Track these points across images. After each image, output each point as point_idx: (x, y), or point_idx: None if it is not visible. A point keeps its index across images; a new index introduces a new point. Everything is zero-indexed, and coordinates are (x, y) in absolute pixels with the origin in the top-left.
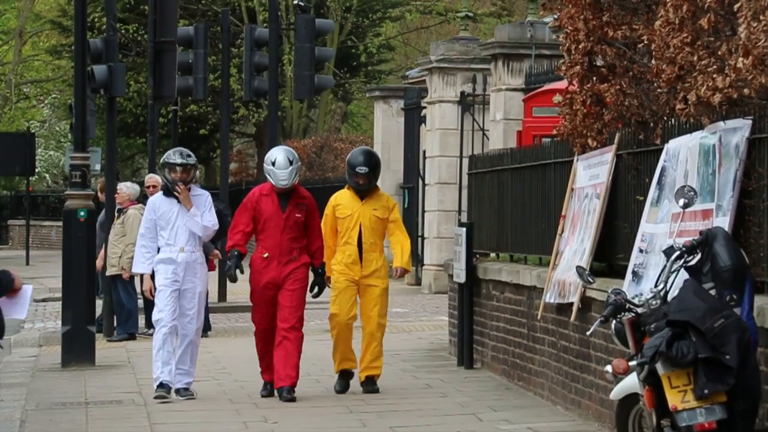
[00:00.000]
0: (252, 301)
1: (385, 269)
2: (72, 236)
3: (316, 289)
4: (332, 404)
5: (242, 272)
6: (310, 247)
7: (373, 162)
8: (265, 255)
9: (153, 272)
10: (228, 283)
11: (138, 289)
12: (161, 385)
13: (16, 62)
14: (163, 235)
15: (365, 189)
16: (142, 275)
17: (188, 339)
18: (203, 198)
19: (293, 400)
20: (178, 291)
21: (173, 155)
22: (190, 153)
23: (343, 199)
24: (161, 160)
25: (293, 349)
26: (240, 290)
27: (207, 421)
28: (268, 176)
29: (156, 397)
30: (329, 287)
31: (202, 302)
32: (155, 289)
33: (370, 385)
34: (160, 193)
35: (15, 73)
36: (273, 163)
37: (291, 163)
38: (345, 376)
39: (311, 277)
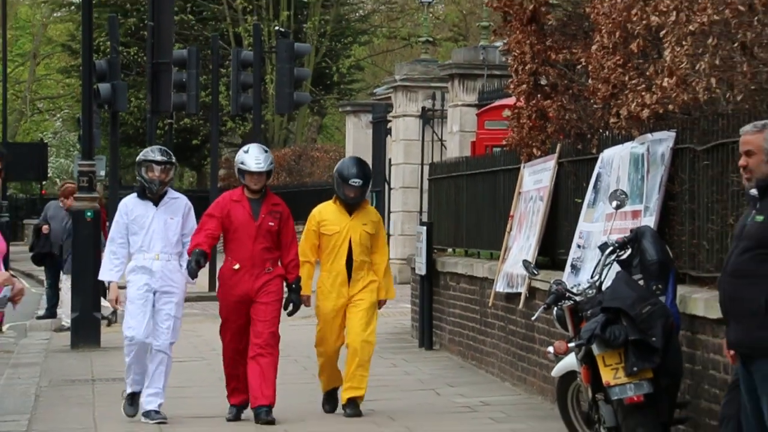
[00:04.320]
0: (221, 317)
1: (373, 283)
2: (80, 234)
3: (290, 307)
4: (305, 381)
5: (202, 266)
6: (284, 259)
7: (367, 173)
8: (236, 266)
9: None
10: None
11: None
12: (131, 398)
13: (30, 81)
14: (135, 241)
15: (356, 203)
16: (109, 282)
17: (161, 355)
18: (180, 202)
19: (272, 422)
20: (152, 303)
21: (152, 152)
22: (169, 151)
23: (328, 214)
24: (138, 158)
25: (269, 365)
26: None
27: (198, 396)
28: (239, 171)
29: (130, 419)
30: (305, 306)
31: (179, 313)
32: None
33: (352, 408)
34: (134, 194)
35: (30, 90)
36: (246, 151)
37: (266, 151)
38: (332, 394)
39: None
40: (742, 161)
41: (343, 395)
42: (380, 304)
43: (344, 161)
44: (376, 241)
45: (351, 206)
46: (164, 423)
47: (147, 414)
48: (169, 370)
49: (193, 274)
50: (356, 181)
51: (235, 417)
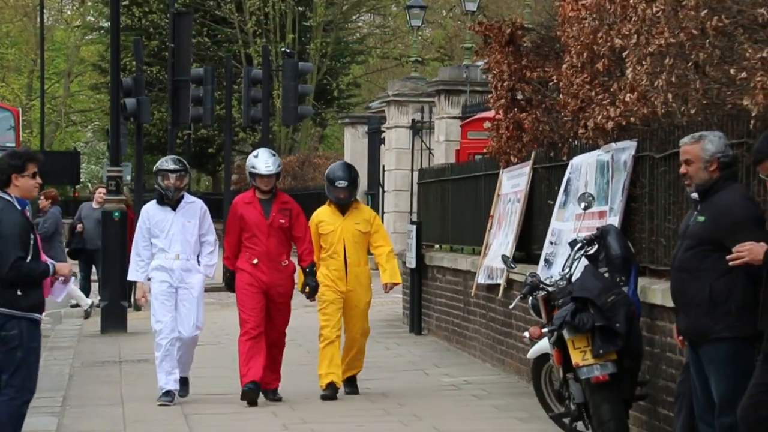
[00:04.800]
0: (240, 305)
1: (368, 280)
2: (108, 232)
3: (307, 289)
4: (302, 363)
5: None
6: (298, 248)
7: (352, 175)
8: (255, 261)
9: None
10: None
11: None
12: (167, 393)
13: (65, 96)
14: (157, 244)
15: (346, 203)
16: (135, 282)
17: (186, 342)
18: (196, 206)
19: (280, 400)
20: (175, 298)
21: (166, 162)
22: (183, 160)
23: (325, 215)
24: (154, 168)
25: (279, 354)
26: None
27: (214, 375)
28: (250, 174)
29: (160, 405)
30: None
31: (200, 305)
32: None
33: (350, 386)
34: (153, 201)
35: (64, 104)
36: (256, 156)
37: (273, 155)
38: (331, 387)
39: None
40: (682, 169)
41: (343, 375)
42: (385, 287)
43: (332, 167)
44: (376, 235)
45: (343, 207)
46: (185, 396)
47: (169, 392)
48: (192, 353)
49: (231, 288)
50: (342, 183)
51: (256, 394)
